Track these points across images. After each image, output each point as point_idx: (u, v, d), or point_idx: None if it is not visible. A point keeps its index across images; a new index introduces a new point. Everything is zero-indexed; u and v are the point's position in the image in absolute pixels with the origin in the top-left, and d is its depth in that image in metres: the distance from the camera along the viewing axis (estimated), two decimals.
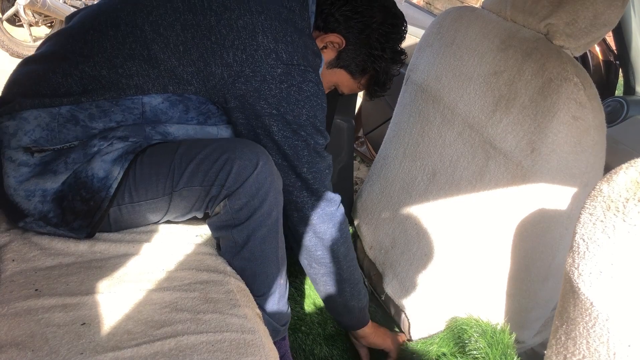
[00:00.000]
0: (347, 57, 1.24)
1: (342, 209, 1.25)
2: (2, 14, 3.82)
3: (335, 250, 1.22)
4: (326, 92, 1.36)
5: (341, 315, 1.35)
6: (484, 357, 1.18)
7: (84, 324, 0.85)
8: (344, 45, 1.22)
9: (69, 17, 1.17)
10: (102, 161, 1.00)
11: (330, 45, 1.22)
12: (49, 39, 1.11)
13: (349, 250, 1.27)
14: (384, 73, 1.30)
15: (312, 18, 1.18)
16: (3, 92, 1.06)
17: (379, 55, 1.25)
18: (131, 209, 1.07)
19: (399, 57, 1.31)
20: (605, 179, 0.73)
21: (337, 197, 1.23)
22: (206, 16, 1.01)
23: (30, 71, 1.04)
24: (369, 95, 1.40)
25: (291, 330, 1.46)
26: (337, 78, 1.30)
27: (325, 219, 1.20)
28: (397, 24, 1.26)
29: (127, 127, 1.02)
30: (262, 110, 1.05)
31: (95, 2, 1.15)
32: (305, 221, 1.20)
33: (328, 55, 1.24)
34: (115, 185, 1.01)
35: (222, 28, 1.01)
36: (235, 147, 1.05)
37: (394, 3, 1.28)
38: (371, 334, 1.39)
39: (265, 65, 1.01)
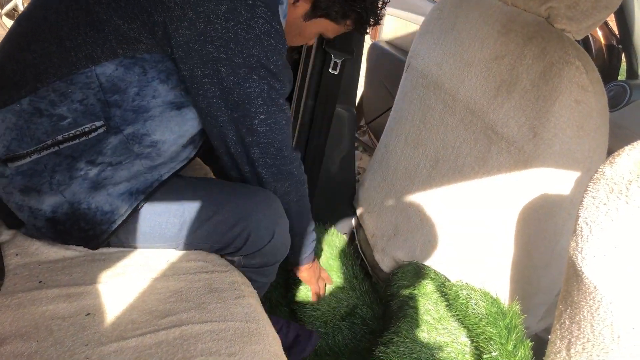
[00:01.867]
0: (323, 5, 1.15)
1: (301, 167, 1.19)
2: (1, 9, 3.81)
3: (288, 209, 1.18)
4: (311, 43, 1.32)
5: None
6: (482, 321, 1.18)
7: (89, 314, 0.85)
8: None
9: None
10: (108, 195, 0.98)
11: None
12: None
13: (302, 209, 1.25)
14: (368, 10, 1.20)
15: None
16: None
17: None
18: (131, 245, 1.08)
19: None
20: (608, 161, 0.73)
21: (296, 155, 1.16)
22: None
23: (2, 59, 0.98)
24: (360, 33, 1.30)
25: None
26: (319, 27, 1.22)
27: (279, 178, 1.13)
28: None
29: (115, 150, 0.97)
30: (209, 55, 0.95)
31: None
32: (258, 178, 1.12)
33: (302, 8, 1.15)
34: (119, 222, 0.99)
35: None
36: (251, 213, 1.07)
37: None
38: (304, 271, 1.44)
39: (208, 3, 0.92)
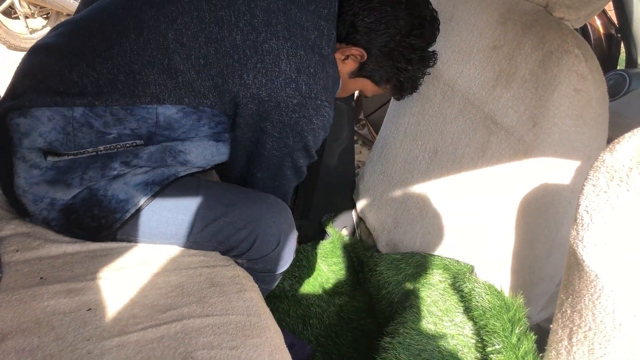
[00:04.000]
0: (369, 68, 1.19)
1: (290, 217, 1.18)
2: None
3: None
4: (347, 96, 1.37)
5: None
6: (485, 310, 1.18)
7: (90, 309, 0.85)
8: (365, 58, 1.16)
9: (85, 3, 1.13)
10: (125, 184, 0.99)
11: (352, 57, 1.17)
12: (63, 25, 1.05)
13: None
14: (409, 81, 1.25)
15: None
16: (13, 83, 1.01)
17: (403, 68, 1.19)
18: (137, 240, 1.08)
19: (427, 62, 1.24)
20: (608, 149, 0.72)
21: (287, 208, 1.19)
22: (232, 32, 0.97)
23: (43, 63, 0.99)
24: (395, 98, 1.37)
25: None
26: (360, 85, 1.27)
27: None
28: (423, 34, 1.16)
29: (150, 156, 1.00)
30: (265, 129, 1.04)
31: None
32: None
33: (350, 66, 1.19)
34: (133, 211, 1.00)
35: (246, 48, 0.97)
36: (260, 218, 1.08)
37: (427, 4, 1.18)
38: None
39: (283, 94, 0.99)
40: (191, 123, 1.01)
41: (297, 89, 0.99)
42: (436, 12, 1.19)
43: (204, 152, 1.06)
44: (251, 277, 1.10)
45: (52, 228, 1.02)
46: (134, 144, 0.98)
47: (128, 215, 1.00)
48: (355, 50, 1.14)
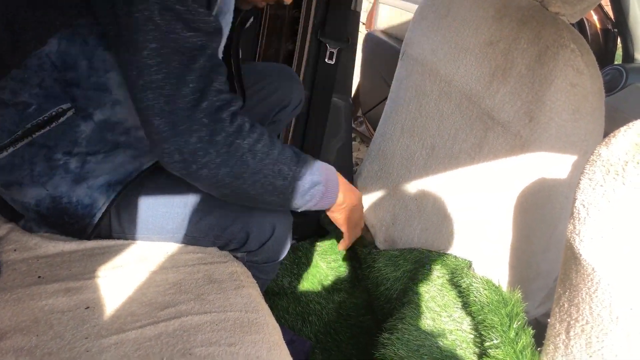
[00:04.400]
0: None
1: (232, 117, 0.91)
2: None
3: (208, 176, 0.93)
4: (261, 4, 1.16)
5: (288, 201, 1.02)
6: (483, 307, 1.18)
7: (88, 307, 0.85)
8: None
9: None
10: (88, 188, 0.96)
11: None
12: None
13: (248, 159, 0.93)
14: None
15: None
16: None
17: None
18: (132, 236, 1.07)
19: None
20: (604, 142, 0.73)
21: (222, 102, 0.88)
22: None
23: None
24: None
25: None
26: None
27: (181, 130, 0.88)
28: None
29: (89, 139, 0.93)
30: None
31: None
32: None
33: None
34: (99, 215, 0.97)
35: None
36: (253, 207, 1.04)
37: None
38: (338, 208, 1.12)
39: None
40: (81, 49, 0.88)
41: None
42: None
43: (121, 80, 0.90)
44: (249, 274, 1.10)
45: (40, 227, 1.01)
46: (61, 110, 0.89)
47: (95, 220, 0.98)
48: None
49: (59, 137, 0.92)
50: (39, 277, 0.91)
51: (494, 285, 1.23)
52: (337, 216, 1.14)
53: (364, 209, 1.61)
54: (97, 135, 0.94)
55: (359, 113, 2.93)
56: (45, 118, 0.90)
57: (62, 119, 0.91)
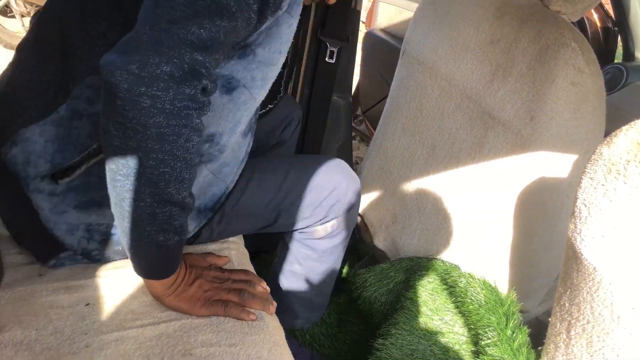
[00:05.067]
0: None
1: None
2: None
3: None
4: None
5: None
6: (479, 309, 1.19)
7: (88, 304, 0.85)
8: None
9: None
10: None
11: None
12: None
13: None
14: None
15: None
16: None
17: None
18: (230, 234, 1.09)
19: None
20: (606, 142, 0.72)
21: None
22: None
23: (14, 83, 0.88)
24: None
25: None
26: None
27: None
28: None
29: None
30: None
31: None
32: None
33: None
34: (186, 238, 0.86)
35: None
36: (334, 174, 1.10)
37: None
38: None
39: None
40: None
41: None
42: None
43: (222, 113, 0.85)
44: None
45: (92, 258, 0.91)
46: None
47: (183, 243, 0.84)
48: None
49: None
50: (40, 275, 0.91)
51: (490, 285, 1.24)
52: (176, 304, 0.88)
53: (364, 208, 1.61)
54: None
55: (359, 112, 2.92)
56: None
57: None
